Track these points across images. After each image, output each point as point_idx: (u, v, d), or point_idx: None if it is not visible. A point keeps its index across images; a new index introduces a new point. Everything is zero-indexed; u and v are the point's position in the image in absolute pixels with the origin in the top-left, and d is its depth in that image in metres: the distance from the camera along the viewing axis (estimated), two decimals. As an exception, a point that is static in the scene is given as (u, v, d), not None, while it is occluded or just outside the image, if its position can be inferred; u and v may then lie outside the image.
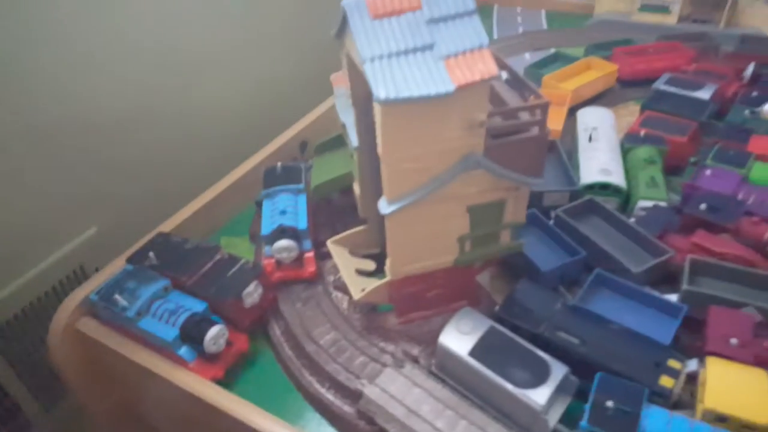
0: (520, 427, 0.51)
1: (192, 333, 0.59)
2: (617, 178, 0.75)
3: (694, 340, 0.57)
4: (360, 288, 0.60)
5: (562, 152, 0.81)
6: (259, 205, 0.78)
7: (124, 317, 0.61)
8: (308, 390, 0.59)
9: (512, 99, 0.53)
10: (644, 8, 1.29)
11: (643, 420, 0.47)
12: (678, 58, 1.06)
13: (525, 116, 0.51)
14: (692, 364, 0.53)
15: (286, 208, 0.72)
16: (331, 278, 0.70)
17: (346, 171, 0.75)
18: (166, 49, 0.94)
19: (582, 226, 0.68)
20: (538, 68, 1.09)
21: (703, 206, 0.68)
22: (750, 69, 0.97)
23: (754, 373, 0.50)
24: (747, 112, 0.86)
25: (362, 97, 0.56)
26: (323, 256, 0.70)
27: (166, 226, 0.76)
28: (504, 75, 0.58)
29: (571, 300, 0.60)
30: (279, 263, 0.69)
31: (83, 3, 0.80)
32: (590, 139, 0.83)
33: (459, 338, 0.54)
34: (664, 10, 1.27)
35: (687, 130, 0.83)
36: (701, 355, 0.53)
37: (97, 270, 0.73)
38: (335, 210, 0.78)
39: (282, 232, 0.68)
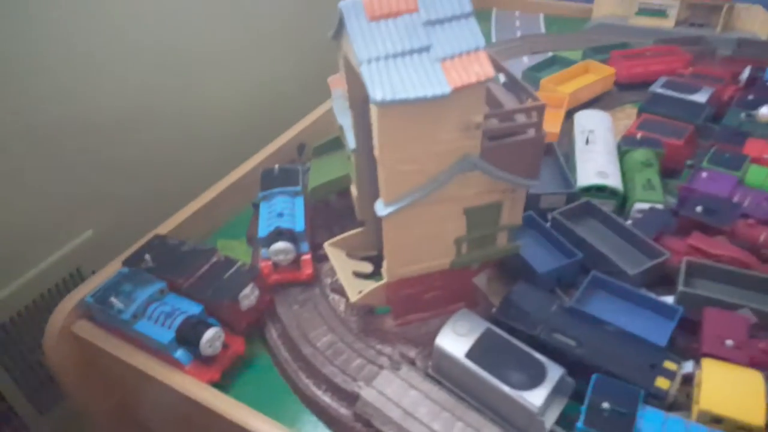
0: (517, 428, 0.51)
1: (188, 336, 0.59)
2: (614, 181, 0.75)
3: (689, 342, 0.57)
4: (357, 290, 0.60)
5: (559, 155, 0.81)
6: (256, 207, 0.78)
7: (120, 320, 0.61)
8: (305, 392, 0.59)
9: (509, 101, 0.53)
10: (642, 12, 1.29)
11: (638, 421, 0.47)
12: (675, 62, 1.06)
13: (521, 118, 0.51)
14: (688, 366, 0.53)
15: (283, 210, 0.72)
16: (328, 280, 0.70)
17: (343, 173, 0.75)
18: (166, 49, 0.94)
19: (579, 229, 0.68)
20: (536, 71, 1.09)
21: (699, 209, 0.68)
22: (746, 72, 0.98)
23: (749, 375, 0.50)
24: (743, 115, 0.86)
25: (359, 99, 0.56)
26: (320, 258, 0.70)
27: (164, 228, 0.76)
28: (501, 78, 0.58)
29: (567, 302, 0.60)
30: (276, 265, 0.69)
31: (83, 3, 0.80)
32: (587, 141, 0.83)
33: (456, 340, 0.54)
34: (662, 14, 1.27)
35: (683, 133, 0.83)
36: (697, 356, 0.54)
37: (93, 272, 0.73)
38: (332, 212, 0.78)
39: (279, 234, 0.68)
